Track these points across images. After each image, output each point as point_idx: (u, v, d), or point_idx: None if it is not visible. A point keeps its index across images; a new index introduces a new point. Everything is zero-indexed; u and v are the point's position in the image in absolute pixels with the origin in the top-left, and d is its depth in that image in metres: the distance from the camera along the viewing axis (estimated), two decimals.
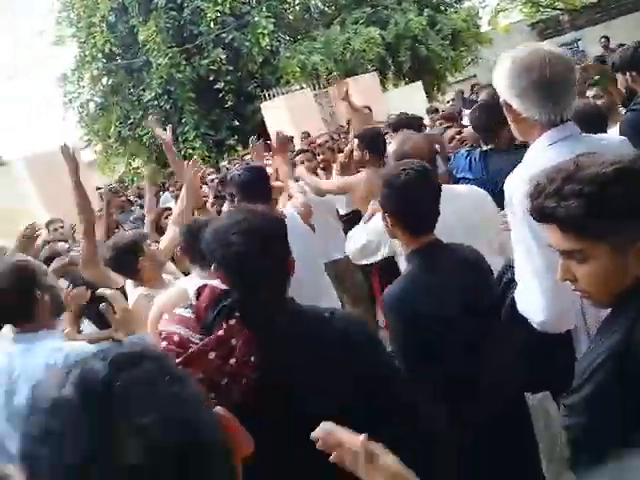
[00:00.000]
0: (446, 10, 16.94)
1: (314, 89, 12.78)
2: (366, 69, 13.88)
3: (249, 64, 14.07)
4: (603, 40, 12.78)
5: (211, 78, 14.01)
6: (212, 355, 1.31)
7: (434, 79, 16.80)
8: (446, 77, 17.48)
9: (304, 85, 13.33)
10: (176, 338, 1.38)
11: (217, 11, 13.27)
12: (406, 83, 15.84)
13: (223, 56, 13.60)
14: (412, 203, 1.81)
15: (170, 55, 13.66)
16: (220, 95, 14.19)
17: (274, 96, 12.61)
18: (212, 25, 13.39)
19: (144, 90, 15.02)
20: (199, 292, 1.50)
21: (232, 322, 1.36)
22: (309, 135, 9.61)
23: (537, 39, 16.36)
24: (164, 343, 1.39)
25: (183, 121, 14.72)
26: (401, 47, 14.75)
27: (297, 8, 14.96)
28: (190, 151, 14.62)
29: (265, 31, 13.36)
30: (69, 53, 16.71)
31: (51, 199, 8.06)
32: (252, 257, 1.38)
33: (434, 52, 15.32)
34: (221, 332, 1.34)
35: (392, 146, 2.63)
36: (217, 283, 1.49)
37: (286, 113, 11.69)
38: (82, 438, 0.50)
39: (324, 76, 13.45)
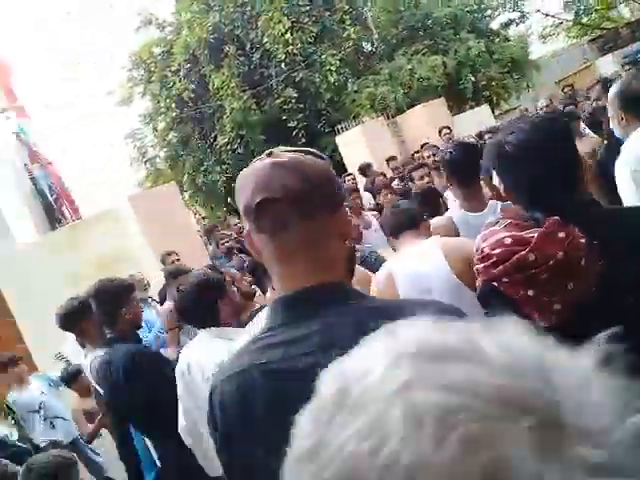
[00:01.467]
0: (498, 36, 17.19)
1: (387, 118, 12.99)
2: (431, 97, 14.09)
3: (317, 102, 14.47)
4: None
5: (284, 117, 14.43)
6: (561, 234, 1.24)
7: (491, 105, 16.93)
8: (500, 103, 17.61)
9: (373, 117, 13.56)
10: (508, 241, 1.31)
11: (286, 52, 13.80)
12: (470, 108, 15.97)
13: (295, 95, 14.03)
14: None
15: (244, 99, 14.18)
16: (292, 133, 14.60)
17: (345, 129, 12.87)
18: (283, 66, 13.89)
19: (216, 136, 15.56)
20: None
21: (552, 219, 1.26)
22: (395, 158, 9.77)
23: (597, 54, 16.29)
24: (497, 250, 1.31)
25: None
26: (462, 74, 14.95)
27: (359, 44, 15.38)
28: None
29: (332, 67, 13.76)
30: (133, 111, 17.65)
31: (156, 236, 8.28)
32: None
33: (493, 78, 15.53)
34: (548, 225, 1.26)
35: None
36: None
37: (363, 142, 11.89)
38: None
39: (393, 105, 13.69)
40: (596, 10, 16.88)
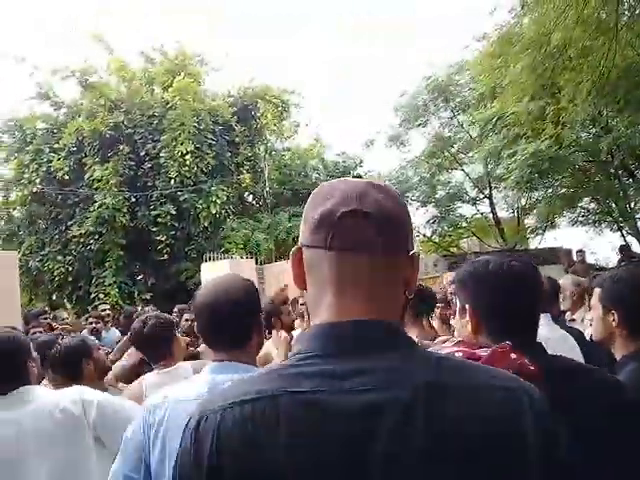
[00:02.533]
0: None
1: (256, 263, 13.20)
2: None
3: (193, 226, 14.43)
4: None
5: (154, 229, 14.07)
6: (513, 355, 1.21)
7: None
8: None
9: (243, 257, 13.74)
10: (459, 355, 1.32)
11: (178, 171, 13.95)
12: None
13: (173, 212, 13.91)
14: None
15: (119, 199, 13.75)
16: (155, 247, 14.16)
17: (212, 260, 12.81)
18: (171, 182, 13.90)
19: (71, 226, 14.59)
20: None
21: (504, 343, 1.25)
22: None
23: (445, 269, 18.73)
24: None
25: (105, 264, 14.23)
26: None
27: (249, 190, 16.14)
28: (101, 295, 13.89)
29: (218, 201, 14.08)
30: None
31: None
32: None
33: None
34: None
35: None
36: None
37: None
38: None
39: (264, 252, 14.09)
40: (449, 235, 19.76)
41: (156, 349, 2.63)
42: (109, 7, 38.25)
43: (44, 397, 1.96)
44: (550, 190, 14.29)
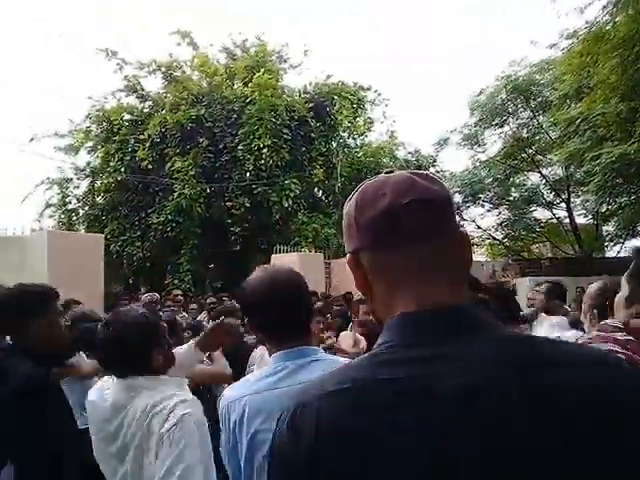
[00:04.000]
0: None
1: (324, 257, 13.32)
2: None
3: (265, 219, 14.75)
4: None
5: (228, 221, 14.50)
6: None
7: None
8: None
9: (312, 251, 13.91)
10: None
11: (254, 165, 14.30)
12: None
13: (247, 205, 14.28)
14: None
15: (197, 189, 14.25)
16: (228, 238, 14.59)
17: (282, 252, 13.05)
18: (247, 175, 14.28)
19: (150, 214, 15.24)
20: None
21: None
22: (329, 296, 9.94)
23: (515, 274, 18.21)
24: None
25: (181, 252, 14.78)
26: None
27: (321, 186, 16.29)
28: (176, 281, 14.43)
29: (291, 194, 14.31)
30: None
31: (63, 280, 7.68)
32: None
33: None
34: None
35: None
36: None
37: (297, 269, 12.02)
38: None
39: (333, 247, 14.21)
40: (521, 239, 19.17)
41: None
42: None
43: None
44: (635, 196, 13.60)
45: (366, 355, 0.81)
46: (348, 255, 0.87)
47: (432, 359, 0.73)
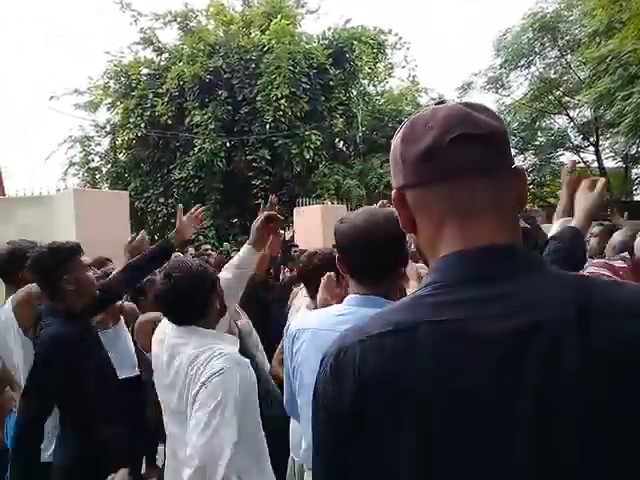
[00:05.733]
0: None
1: (347, 209, 13.27)
2: (388, 205, 14.72)
3: (286, 172, 14.68)
4: None
5: (249, 174, 14.47)
6: None
7: None
8: None
9: (334, 202, 13.87)
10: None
11: (274, 116, 14.11)
12: None
13: (268, 157, 14.20)
14: None
15: (218, 143, 14.17)
16: (250, 192, 14.59)
17: (304, 204, 13.03)
18: (266, 127, 14.12)
19: (172, 169, 15.27)
20: None
21: None
22: None
23: None
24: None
25: (204, 207, 14.85)
26: None
27: (342, 135, 16.06)
28: (200, 237, 14.59)
29: (312, 146, 14.15)
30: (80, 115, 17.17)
31: (91, 238, 7.81)
32: None
33: None
34: None
35: None
36: None
37: (319, 221, 12.02)
38: None
39: (355, 199, 14.11)
40: (548, 185, 18.81)
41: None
42: None
43: None
44: None
45: (410, 297, 0.78)
46: (394, 192, 0.83)
47: (482, 299, 0.70)
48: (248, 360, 1.86)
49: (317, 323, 1.57)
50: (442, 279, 0.75)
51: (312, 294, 2.16)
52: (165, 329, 1.96)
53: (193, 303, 1.86)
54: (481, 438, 0.66)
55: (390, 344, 0.71)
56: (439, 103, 0.83)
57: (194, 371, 1.74)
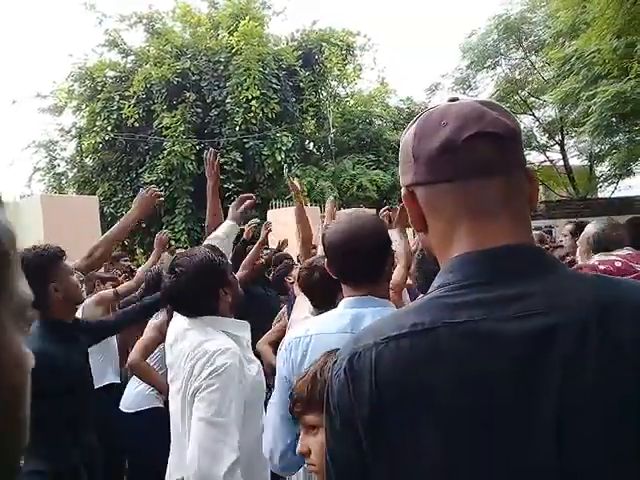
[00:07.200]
0: None
1: (321, 211, 13.27)
2: (364, 206, 14.77)
3: (258, 174, 14.58)
4: None
5: (221, 177, 14.30)
6: None
7: None
8: None
9: (307, 204, 13.84)
10: (618, 264, 1.36)
11: (244, 118, 14.00)
12: None
13: (239, 160, 14.07)
14: None
15: (187, 145, 13.99)
16: (222, 195, 14.43)
17: (277, 207, 12.98)
18: (236, 129, 14.00)
19: (141, 173, 15.01)
20: None
21: None
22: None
23: None
24: (603, 267, 1.37)
25: (175, 211, 14.67)
26: (395, 194, 15.91)
27: (313, 137, 16.06)
28: (172, 242, 14.37)
29: (283, 147, 14.10)
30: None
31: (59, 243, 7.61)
32: None
33: None
34: None
35: None
36: None
37: (292, 222, 11.99)
38: None
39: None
40: None
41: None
42: None
43: None
44: (630, 135, 13.50)
45: (425, 298, 0.76)
46: (403, 189, 0.81)
47: (501, 300, 0.69)
48: (257, 361, 1.84)
49: (320, 327, 1.54)
50: (457, 279, 0.73)
51: (317, 304, 2.13)
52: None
53: (198, 297, 1.84)
54: (503, 440, 0.65)
55: (407, 346, 0.70)
56: (452, 100, 0.80)
57: (194, 361, 1.70)
